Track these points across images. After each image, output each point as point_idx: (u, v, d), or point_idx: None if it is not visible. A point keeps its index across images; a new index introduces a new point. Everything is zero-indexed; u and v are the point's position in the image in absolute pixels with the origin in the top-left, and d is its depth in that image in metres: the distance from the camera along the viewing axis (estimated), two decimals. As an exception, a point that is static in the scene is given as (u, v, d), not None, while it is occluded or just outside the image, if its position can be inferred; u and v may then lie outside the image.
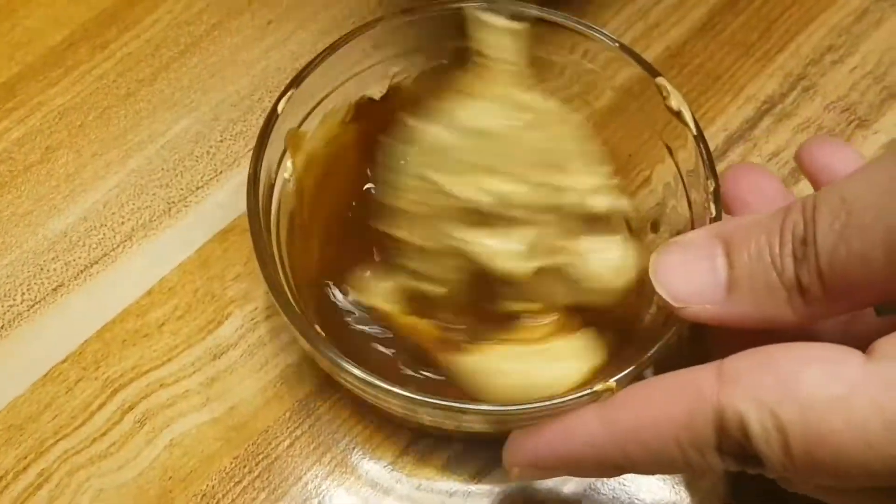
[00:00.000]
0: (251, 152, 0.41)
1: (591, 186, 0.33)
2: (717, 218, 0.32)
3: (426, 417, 0.31)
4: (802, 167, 0.35)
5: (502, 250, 0.33)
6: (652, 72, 0.34)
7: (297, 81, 0.34)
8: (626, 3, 0.45)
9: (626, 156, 0.37)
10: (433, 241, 0.34)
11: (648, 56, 0.37)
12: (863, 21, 0.44)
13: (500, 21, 0.33)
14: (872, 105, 0.43)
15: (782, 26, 0.44)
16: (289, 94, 0.34)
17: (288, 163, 0.35)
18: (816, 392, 0.25)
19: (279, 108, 0.34)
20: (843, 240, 0.26)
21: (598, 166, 0.34)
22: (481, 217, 0.33)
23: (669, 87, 0.34)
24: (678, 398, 0.27)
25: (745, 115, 0.43)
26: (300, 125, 0.35)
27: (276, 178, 0.34)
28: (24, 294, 0.39)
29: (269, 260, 0.32)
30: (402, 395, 0.30)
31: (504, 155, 0.33)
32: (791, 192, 0.36)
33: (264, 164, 0.33)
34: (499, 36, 0.33)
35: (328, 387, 0.37)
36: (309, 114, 0.36)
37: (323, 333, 0.32)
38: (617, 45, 0.35)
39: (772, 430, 0.26)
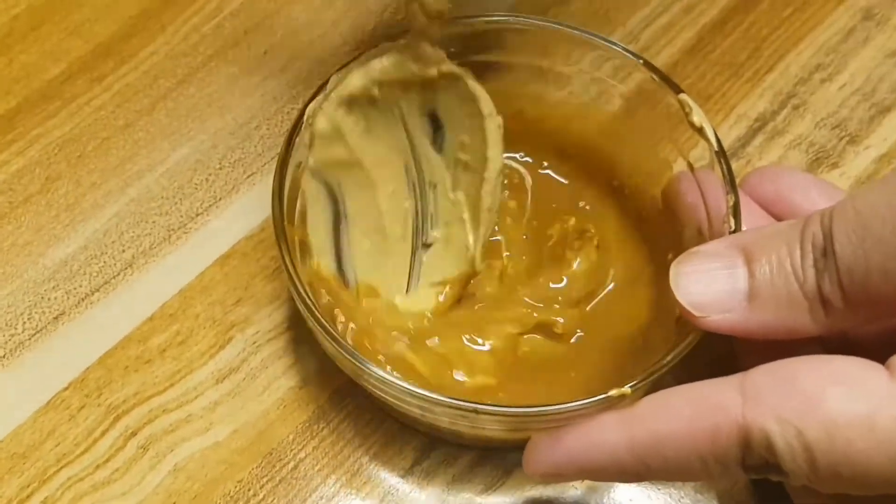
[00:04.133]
0: (250, 178, 0.42)
1: None
2: (737, 231, 0.32)
3: (443, 419, 0.32)
4: (753, 199, 0.36)
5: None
6: (674, 88, 0.35)
7: (324, 86, 0.35)
8: (616, 27, 0.45)
9: (634, 164, 0.38)
10: None
11: (634, 80, 0.37)
12: (850, 40, 0.45)
13: None
14: (862, 121, 0.43)
15: (771, 46, 0.45)
16: (318, 98, 0.35)
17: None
18: (840, 410, 0.26)
19: (307, 112, 0.34)
20: (862, 253, 0.26)
21: None
22: None
23: (691, 103, 0.35)
24: (701, 414, 0.27)
25: (737, 133, 0.43)
26: None
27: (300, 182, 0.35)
28: (25, 323, 0.39)
29: (291, 262, 0.33)
30: (422, 395, 0.30)
31: None
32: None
33: (289, 168, 0.34)
34: None
35: (331, 408, 0.37)
36: None
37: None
38: (641, 61, 0.36)
39: (798, 448, 0.26)
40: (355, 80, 0.33)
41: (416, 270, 0.37)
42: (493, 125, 0.35)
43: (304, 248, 0.35)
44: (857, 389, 0.26)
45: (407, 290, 0.37)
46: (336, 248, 0.36)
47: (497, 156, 0.35)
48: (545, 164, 0.40)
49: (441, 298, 0.37)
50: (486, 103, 0.34)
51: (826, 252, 0.27)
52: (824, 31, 0.45)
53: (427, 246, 0.37)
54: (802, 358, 0.28)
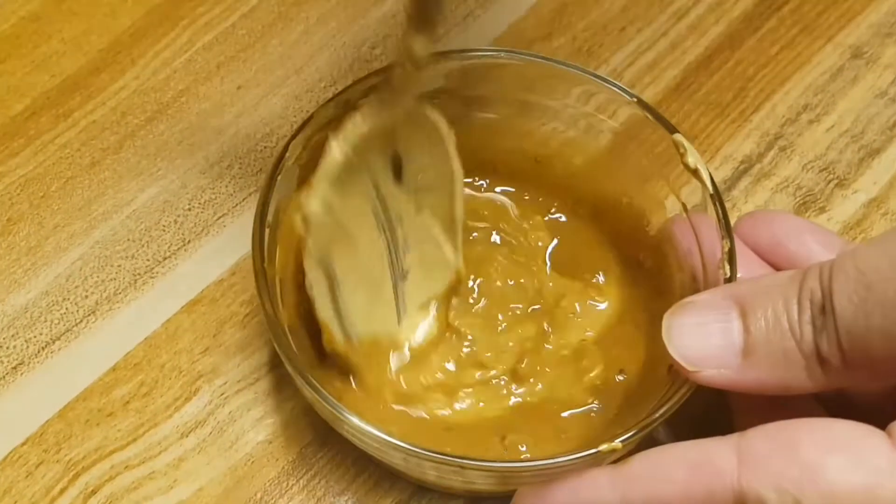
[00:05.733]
0: (220, 220, 0.40)
1: None
2: (732, 278, 0.31)
3: (430, 472, 0.30)
4: (748, 245, 0.35)
5: None
6: (668, 127, 0.34)
7: (307, 123, 0.34)
8: (600, 64, 0.44)
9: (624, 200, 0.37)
10: None
11: (624, 115, 0.36)
12: (838, 79, 0.44)
13: None
14: (851, 164, 0.42)
15: (757, 86, 0.44)
16: (300, 135, 0.34)
17: None
18: (841, 481, 0.25)
19: (290, 149, 0.33)
20: (863, 313, 0.26)
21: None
22: None
23: (686, 144, 0.34)
24: (695, 476, 0.27)
25: (722, 175, 0.42)
26: None
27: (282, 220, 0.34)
28: (-19, 373, 0.37)
29: (273, 306, 0.31)
30: (406, 449, 0.29)
31: None
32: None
33: (271, 207, 0.33)
34: None
35: (302, 464, 0.36)
36: None
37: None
38: (635, 99, 0.35)
39: None
40: (336, 154, 0.32)
41: (401, 302, 0.36)
42: (452, 140, 0.34)
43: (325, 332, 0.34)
44: (859, 459, 0.26)
45: (399, 323, 0.36)
46: (338, 316, 0.34)
47: (459, 167, 0.35)
48: (526, 197, 0.39)
49: (432, 317, 0.36)
50: (443, 123, 0.34)
51: (825, 310, 0.26)
52: (812, 70, 0.44)
53: (405, 275, 0.36)
54: (801, 422, 0.27)
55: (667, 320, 0.29)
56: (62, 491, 0.35)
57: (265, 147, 0.42)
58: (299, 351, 0.32)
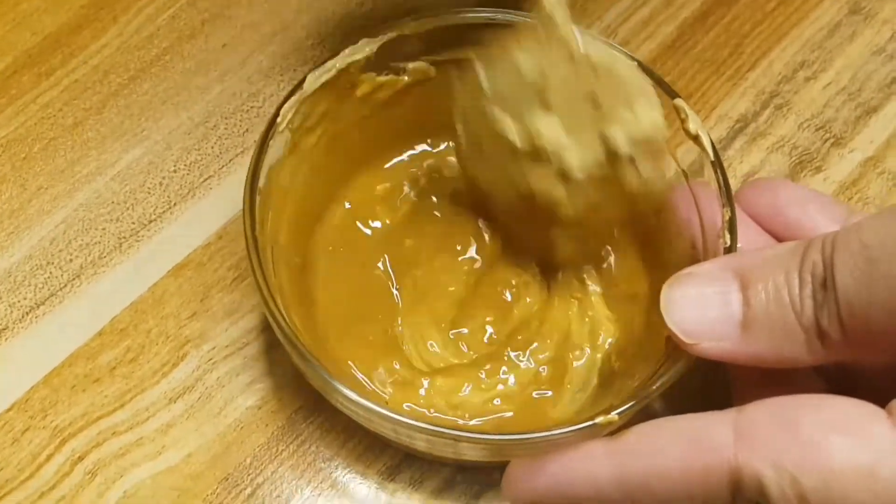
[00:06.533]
0: (207, 182, 0.40)
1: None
2: (732, 248, 0.31)
3: (421, 443, 0.30)
4: (749, 213, 0.34)
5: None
6: (670, 92, 0.33)
7: (300, 85, 0.33)
8: (594, 21, 0.43)
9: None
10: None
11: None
12: (835, 36, 0.43)
13: None
14: (848, 122, 0.41)
15: (753, 42, 0.43)
16: (292, 98, 0.33)
17: None
18: (840, 460, 0.25)
19: (282, 113, 0.32)
20: (865, 288, 0.25)
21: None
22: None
23: (688, 110, 0.33)
24: (692, 451, 0.27)
25: (717, 134, 0.41)
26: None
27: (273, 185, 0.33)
28: (-35, 339, 0.37)
29: (263, 274, 0.31)
30: (396, 420, 0.29)
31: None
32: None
33: (263, 170, 0.32)
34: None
35: (291, 430, 0.35)
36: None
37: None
38: (636, 63, 0.33)
39: (793, 497, 0.25)
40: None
41: None
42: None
43: None
44: (859, 439, 0.25)
45: None
46: None
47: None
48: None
49: None
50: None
51: (826, 283, 0.26)
52: (809, 26, 0.44)
53: None
54: (800, 398, 0.27)
55: (665, 291, 0.29)
56: (49, 457, 0.35)
57: (251, 107, 0.41)
58: (291, 320, 0.31)
